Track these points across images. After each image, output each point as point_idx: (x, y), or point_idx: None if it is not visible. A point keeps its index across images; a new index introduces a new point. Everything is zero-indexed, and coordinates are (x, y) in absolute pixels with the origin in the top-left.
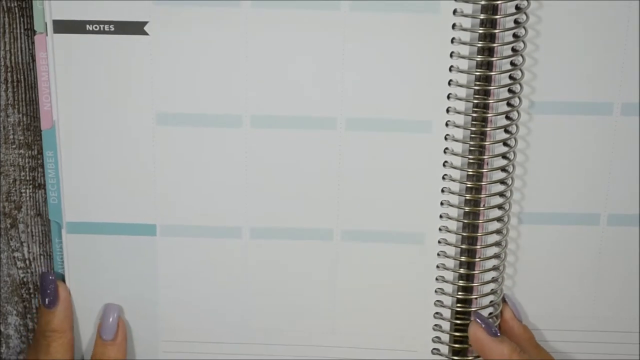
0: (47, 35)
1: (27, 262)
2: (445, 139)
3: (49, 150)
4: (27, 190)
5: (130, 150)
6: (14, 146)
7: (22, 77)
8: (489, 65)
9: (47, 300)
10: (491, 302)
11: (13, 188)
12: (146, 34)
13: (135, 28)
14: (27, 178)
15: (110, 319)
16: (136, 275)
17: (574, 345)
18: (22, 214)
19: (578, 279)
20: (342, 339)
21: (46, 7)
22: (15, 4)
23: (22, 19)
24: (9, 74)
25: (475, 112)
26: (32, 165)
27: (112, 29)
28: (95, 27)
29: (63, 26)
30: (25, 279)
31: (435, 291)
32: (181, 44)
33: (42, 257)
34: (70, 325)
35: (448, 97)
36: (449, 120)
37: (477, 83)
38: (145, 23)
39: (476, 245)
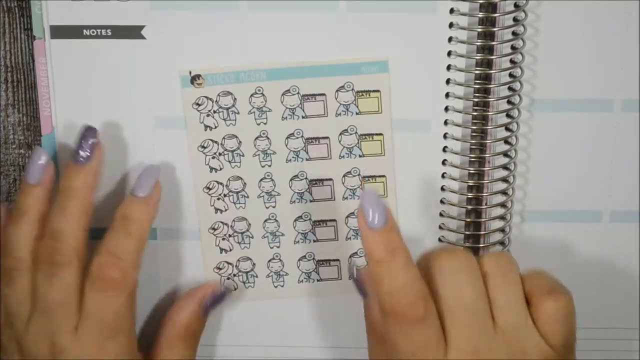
0: (44, 40)
1: None
2: (444, 137)
3: None
4: None
5: (130, 154)
6: (14, 146)
7: (22, 77)
8: (488, 64)
9: (81, 153)
10: None
11: (13, 188)
12: (143, 37)
13: (133, 32)
14: None
15: (148, 176)
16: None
17: (577, 343)
18: None
19: (581, 276)
20: None
21: (43, 13)
22: (15, 4)
23: (22, 19)
24: (9, 74)
25: (476, 110)
26: None
27: (109, 33)
28: (93, 32)
29: (60, 31)
30: None
31: None
32: (178, 48)
33: None
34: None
35: (447, 96)
36: (447, 119)
37: (477, 81)
38: (142, 27)
39: (479, 244)
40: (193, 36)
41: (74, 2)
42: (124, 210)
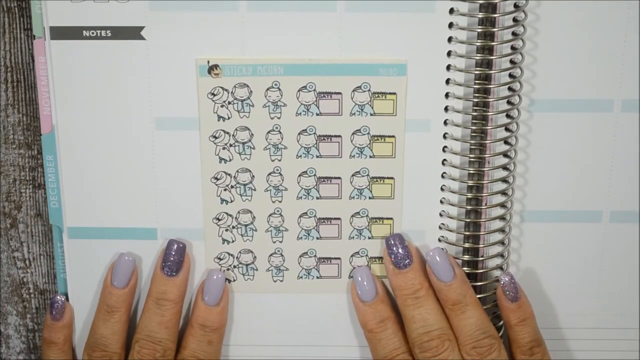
0: (44, 40)
1: (27, 262)
2: (444, 137)
3: (49, 154)
4: (27, 190)
5: (130, 154)
6: (14, 146)
7: (22, 77)
8: (488, 64)
9: (168, 268)
10: (494, 301)
11: (13, 188)
12: (143, 38)
13: (132, 33)
14: (27, 178)
15: (215, 279)
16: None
17: (576, 343)
18: (22, 214)
19: (581, 277)
20: None
21: (43, 14)
22: (15, 4)
23: (21, 19)
24: (9, 74)
25: (475, 110)
26: (32, 165)
27: (109, 34)
28: (92, 33)
29: (60, 32)
30: (25, 279)
31: None
32: (178, 48)
33: (42, 257)
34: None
35: (446, 96)
36: (447, 119)
37: (477, 82)
38: (141, 28)
39: (479, 244)
40: (193, 37)
41: (73, 3)
42: (201, 320)
